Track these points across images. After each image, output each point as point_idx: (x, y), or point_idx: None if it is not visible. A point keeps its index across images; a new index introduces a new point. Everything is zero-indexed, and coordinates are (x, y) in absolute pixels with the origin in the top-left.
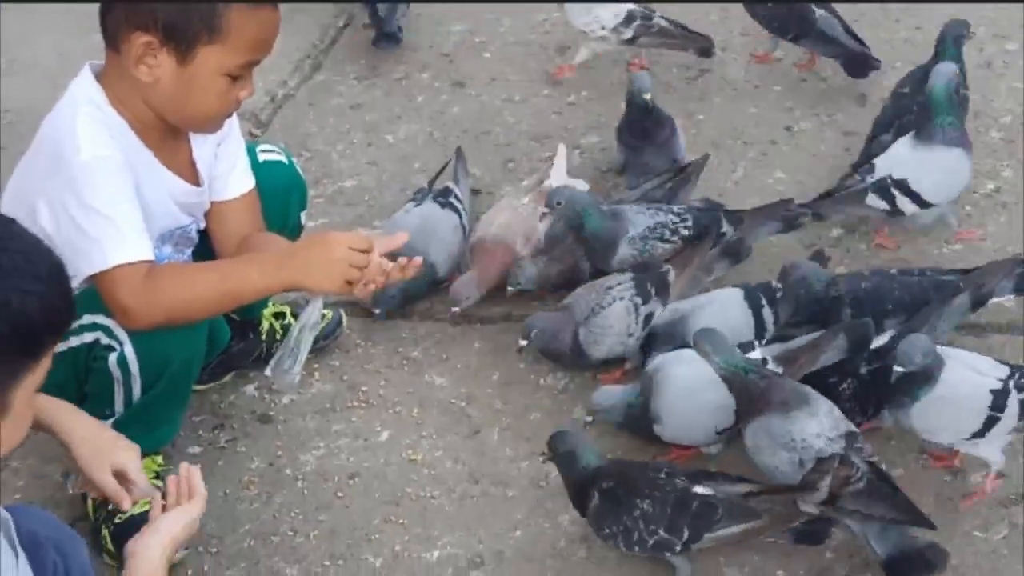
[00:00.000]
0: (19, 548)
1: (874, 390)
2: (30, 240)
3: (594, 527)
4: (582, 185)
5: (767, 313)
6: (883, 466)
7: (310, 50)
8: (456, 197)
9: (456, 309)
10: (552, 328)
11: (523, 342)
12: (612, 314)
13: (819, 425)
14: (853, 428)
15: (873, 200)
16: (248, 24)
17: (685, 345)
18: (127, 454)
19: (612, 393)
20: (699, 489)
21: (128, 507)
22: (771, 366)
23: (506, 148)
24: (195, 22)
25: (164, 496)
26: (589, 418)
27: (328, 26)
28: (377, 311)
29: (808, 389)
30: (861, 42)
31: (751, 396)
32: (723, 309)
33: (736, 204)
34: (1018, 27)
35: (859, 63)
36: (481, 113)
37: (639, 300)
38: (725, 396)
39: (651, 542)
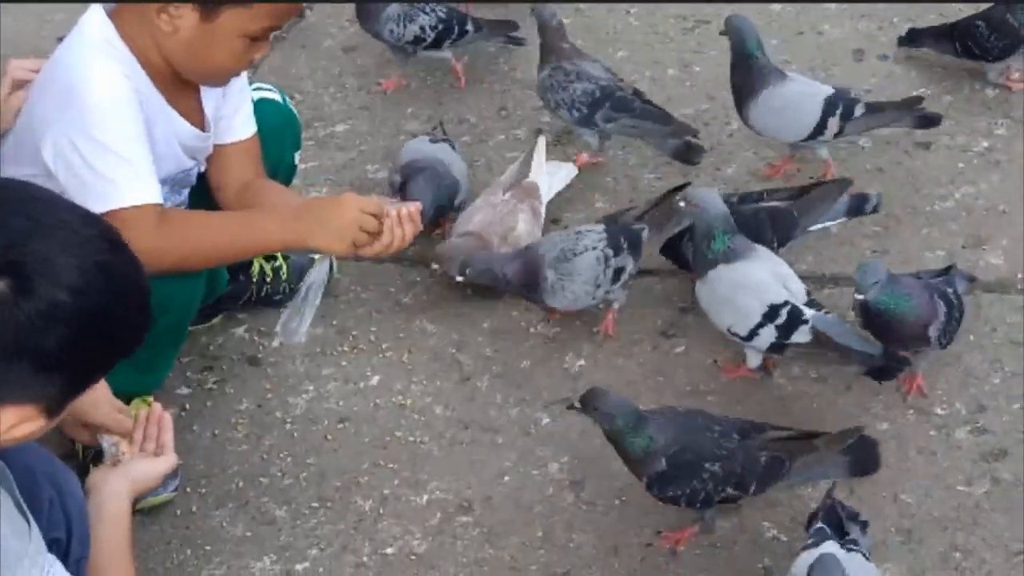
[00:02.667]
0: (28, 513)
1: None
2: (140, 267)
3: (655, 489)
4: (569, 170)
5: None
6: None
7: None
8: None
9: (436, 267)
10: (494, 264)
11: (459, 278)
12: (582, 263)
13: None
14: None
15: None
16: None
17: None
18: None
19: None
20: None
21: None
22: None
23: (500, 95)
24: None
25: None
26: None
27: None
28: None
29: None
30: None
31: None
32: None
33: (731, 155)
34: None
35: None
36: (475, 59)
37: (610, 252)
38: (755, 306)
39: (717, 499)
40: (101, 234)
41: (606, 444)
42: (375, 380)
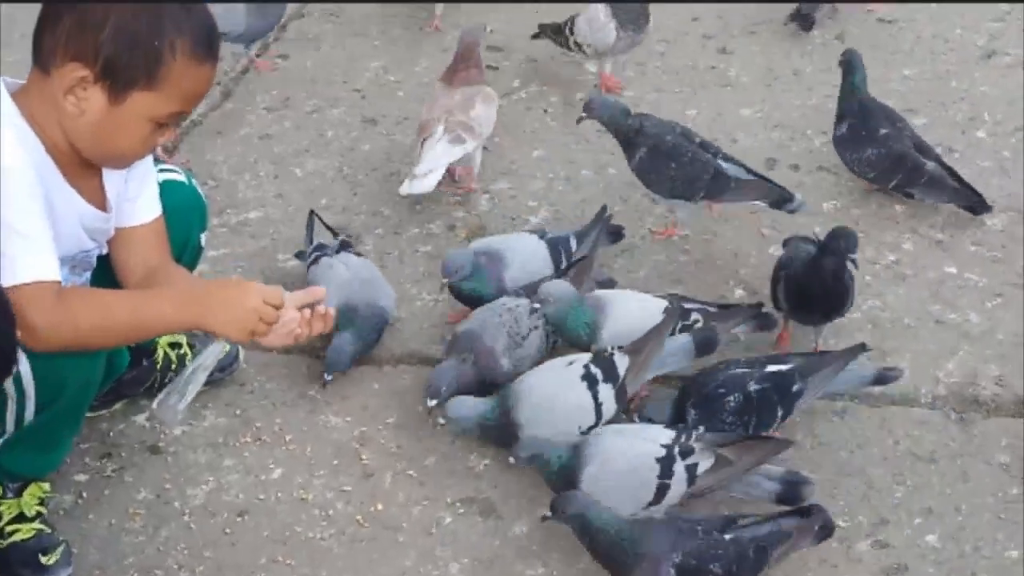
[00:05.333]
0: None
1: (757, 407)
2: None
3: None
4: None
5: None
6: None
7: (221, 77)
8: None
9: None
10: (451, 375)
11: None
12: (532, 343)
13: None
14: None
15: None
16: (188, 77)
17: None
18: None
19: (465, 404)
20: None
21: None
22: (618, 357)
23: None
24: (137, 66)
25: None
26: (442, 421)
27: (240, 54)
28: (328, 376)
29: None
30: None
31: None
32: (531, 258)
33: (641, 260)
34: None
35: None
36: (391, 151)
37: (550, 328)
38: (583, 396)
39: None
40: None
41: (506, 546)
42: (277, 473)
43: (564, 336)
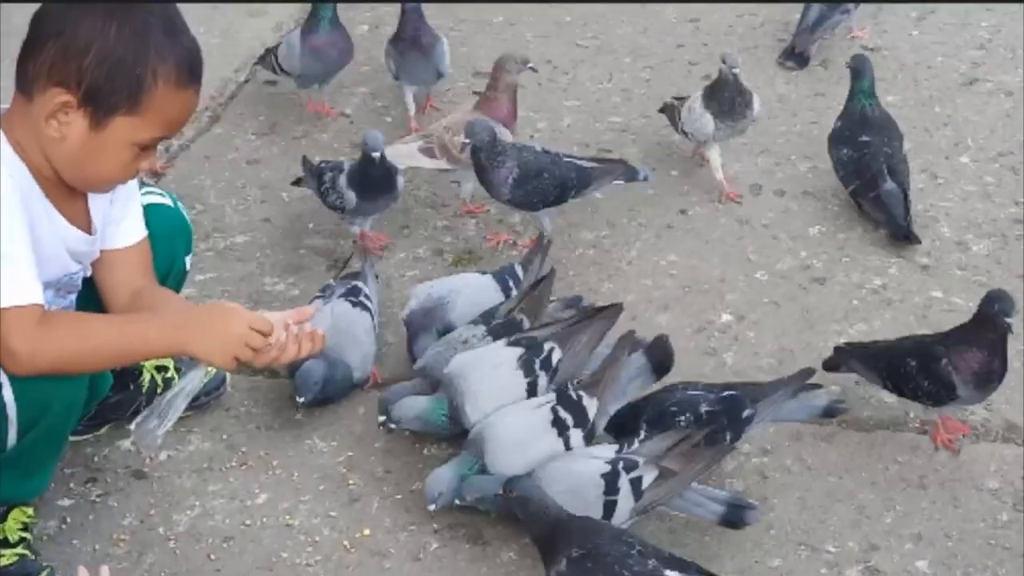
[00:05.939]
0: None
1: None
2: None
3: None
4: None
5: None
6: None
7: (209, 102)
8: (366, 295)
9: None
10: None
11: (382, 418)
12: None
13: None
14: None
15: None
16: (171, 103)
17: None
18: None
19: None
20: (670, 574)
21: None
22: (587, 400)
23: (402, 214)
24: (120, 92)
25: None
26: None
27: (228, 80)
28: (300, 399)
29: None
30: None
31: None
32: (477, 293)
33: (628, 285)
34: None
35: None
36: None
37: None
38: (555, 445)
39: None
40: None
41: (493, 572)
42: (262, 498)
43: (434, 435)
